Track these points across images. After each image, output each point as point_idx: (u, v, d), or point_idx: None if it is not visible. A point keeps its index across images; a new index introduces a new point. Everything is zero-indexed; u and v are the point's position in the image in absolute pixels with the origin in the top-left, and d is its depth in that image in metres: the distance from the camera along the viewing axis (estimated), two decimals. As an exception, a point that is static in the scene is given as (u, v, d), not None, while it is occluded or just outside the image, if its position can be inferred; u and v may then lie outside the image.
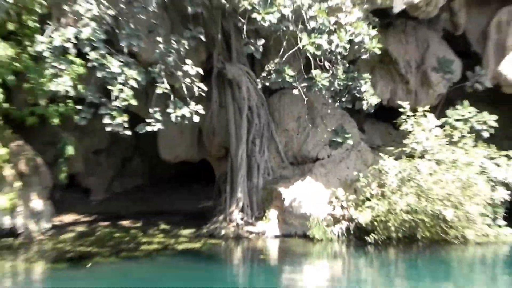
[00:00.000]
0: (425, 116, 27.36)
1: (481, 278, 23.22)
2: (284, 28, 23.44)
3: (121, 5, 23.18)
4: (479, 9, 31.48)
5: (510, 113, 30.57)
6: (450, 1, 29.73)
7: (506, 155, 27.20)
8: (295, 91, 24.98)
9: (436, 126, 27.25)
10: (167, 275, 22.40)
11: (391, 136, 30.21)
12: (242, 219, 27.85)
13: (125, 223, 30.59)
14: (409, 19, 29.96)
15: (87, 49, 22.51)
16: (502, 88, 30.44)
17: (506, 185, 26.48)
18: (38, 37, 23.09)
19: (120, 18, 23.39)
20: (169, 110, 23.98)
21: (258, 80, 26.44)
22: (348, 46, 23.70)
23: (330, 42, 23.35)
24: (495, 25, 30.80)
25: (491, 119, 28.30)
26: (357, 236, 26.26)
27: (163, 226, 29.64)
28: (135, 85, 22.83)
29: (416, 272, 23.56)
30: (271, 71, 24.70)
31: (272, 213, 27.82)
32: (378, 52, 24.64)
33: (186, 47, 24.51)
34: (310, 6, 23.26)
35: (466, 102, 29.12)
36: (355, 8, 24.76)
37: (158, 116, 23.92)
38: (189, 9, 24.94)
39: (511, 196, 26.75)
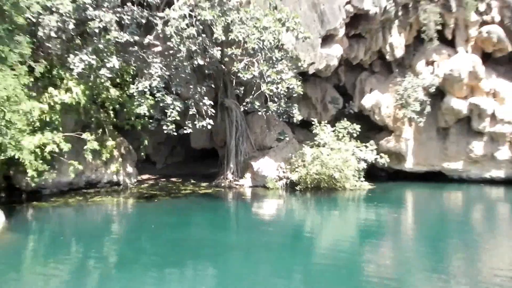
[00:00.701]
0: (325, 125, 29.03)
1: (347, 203, 26.19)
2: (254, 81, 25.31)
3: (172, 69, 24.96)
4: (351, 72, 32.32)
5: (366, 124, 30.84)
6: (337, 68, 30.33)
7: (364, 145, 28.99)
8: (260, 113, 26.74)
9: (331, 131, 29.00)
10: (193, 205, 25.37)
11: (308, 136, 29.95)
12: (232, 178, 29.37)
13: (173, 179, 31.59)
14: (317, 76, 30.67)
15: (155, 91, 24.81)
16: (362, 112, 31.54)
17: (364, 161, 28.61)
18: (131, 86, 25.10)
19: (172, 76, 25.21)
20: (196, 122, 26.04)
21: (241, 106, 27.58)
22: (286, 90, 25.36)
23: (277, 88, 25.08)
24: (358, 81, 32.05)
25: (357, 127, 29.24)
26: (291, 187, 28.29)
27: (192, 181, 30.83)
28: (178, 109, 25.17)
29: (318, 202, 26.33)
30: (248, 102, 26.16)
31: (248, 175, 29.29)
32: (301, 93, 26.46)
33: (204, 90, 26.57)
34: (267, 70, 24.53)
35: (345, 119, 29.93)
36: (290, 71, 25.68)
37: (190, 125, 26.17)
38: (206, 71, 26.54)
39: (367, 166, 28.88)
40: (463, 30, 30.32)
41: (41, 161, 22.75)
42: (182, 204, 25.51)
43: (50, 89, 23.99)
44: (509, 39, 29.50)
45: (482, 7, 29.77)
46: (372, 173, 30.32)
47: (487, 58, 30.76)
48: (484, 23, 29.98)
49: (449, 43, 30.84)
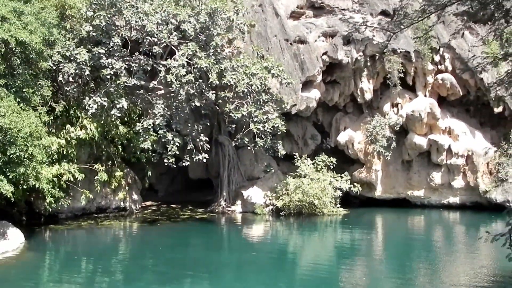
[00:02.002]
0: (306, 159, 28.89)
1: (326, 227, 26.52)
2: (244, 120, 25.35)
3: (173, 110, 24.89)
4: (328, 112, 32.07)
5: (341, 157, 30.56)
6: (315, 109, 30.10)
7: (340, 176, 28.79)
8: (249, 148, 26.77)
9: (311, 163, 28.75)
10: (191, 228, 25.41)
11: (291, 168, 29.47)
12: (225, 204, 28.98)
13: (173, 206, 31.18)
14: (298, 116, 30.32)
15: (158, 129, 24.65)
16: (338, 147, 31.05)
17: (340, 189, 28.48)
18: (137, 123, 25.08)
19: (172, 115, 25.07)
20: (193, 156, 25.56)
21: (233, 142, 27.39)
22: (272, 128, 25.54)
23: (264, 126, 25.23)
24: (334, 120, 31.73)
25: (333, 160, 28.97)
26: (276, 212, 28.00)
27: (190, 207, 30.44)
28: (178, 144, 24.88)
29: (300, 225, 26.36)
30: (239, 138, 26.17)
31: (239, 202, 28.96)
32: (285, 130, 26.78)
33: (201, 128, 26.12)
34: (255, 111, 24.78)
35: (323, 153, 29.68)
36: (275, 112, 26.08)
37: (188, 158, 25.80)
38: (202, 111, 26.55)
39: (342, 194, 28.79)
40: (422, 77, 30.62)
41: (58, 189, 22.82)
42: (181, 228, 25.47)
43: (67, 126, 24.07)
44: (460, 85, 29.82)
45: (437, 58, 30.17)
46: (347, 200, 30.05)
47: (442, 101, 30.99)
48: (439, 71, 30.32)
49: (410, 88, 31.06)
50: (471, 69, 26.11)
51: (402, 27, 12.78)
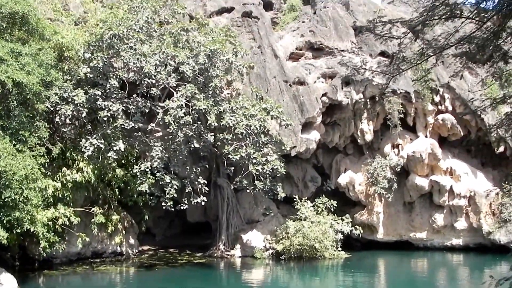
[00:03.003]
0: (306, 201, 28.60)
1: (327, 271, 26.38)
2: (243, 162, 25.02)
3: (171, 152, 24.46)
4: (328, 154, 32.17)
5: (342, 199, 30.52)
6: (315, 150, 30.16)
7: (341, 219, 28.51)
8: (248, 190, 26.22)
9: (311, 206, 28.47)
10: (189, 273, 25.12)
11: (291, 210, 29.31)
12: (224, 248, 28.57)
13: (171, 250, 30.94)
14: (298, 158, 30.19)
15: (156, 171, 24.43)
16: (338, 189, 31.14)
17: (341, 232, 28.19)
18: (135, 166, 24.70)
19: (170, 158, 24.74)
20: (191, 199, 25.41)
21: (231, 184, 27.25)
22: (271, 170, 25.01)
23: (263, 169, 24.67)
24: (334, 162, 31.84)
25: (334, 202, 28.57)
26: (277, 256, 27.64)
27: (188, 251, 30.13)
28: (176, 187, 24.52)
29: (301, 270, 26.24)
30: (237, 181, 25.83)
31: (238, 246, 28.59)
32: (284, 172, 26.15)
33: (199, 170, 26.07)
34: (254, 153, 24.40)
35: (323, 196, 29.34)
36: (274, 154, 25.63)
37: (186, 201, 25.66)
38: (201, 153, 26.29)
39: (343, 236, 28.51)
40: (422, 117, 30.88)
41: (53, 233, 22.45)
42: (179, 273, 25.18)
43: (64, 169, 23.80)
44: (460, 125, 29.99)
45: (437, 98, 30.45)
46: (348, 243, 29.81)
47: (443, 142, 31.13)
48: (439, 112, 30.58)
49: (411, 129, 31.25)
50: (472, 112, 26.42)
51: (400, 70, 12.90)
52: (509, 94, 14.91)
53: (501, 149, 29.21)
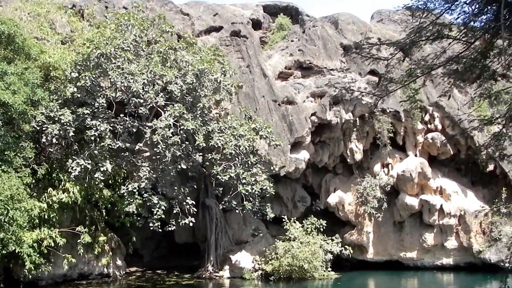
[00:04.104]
0: (295, 222, 28.71)
1: None
2: (232, 182, 25.04)
3: (159, 172, 24.57)
4: (317, 174, 32.35)
5: (331, 219, 30.79)
6: (305, 170, 30.29)
7: (330, 239, 28.58)
8: (237, 211, 26.51)
9: (300, 226, 28.46)
10: None
11: (280, 231, 29.20)
12: (212, 270, 28.37)
13: (159, 271, 30.88)
14: (287, 178, 30.25)
15: (143, 192, 24.39)
16: (328, 208, 31.32)
17: (331, 252, 28.30)
18: (122, 187, 24.64)
19: (158, 178, 24.75)
20: (179, 220, 25.51)
21: (220, 205, 27.37)
22: (260, 190, 25.13)
23: (252, 189, 24.86)
24: (324, 181, 32.01)
25: (323, 222, 28.75)
26: (266, 277, 27.69)
27: (176, 272, 30.09)
28: (164, 208, 24.60)
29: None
30: (226, 201, 25.99)
31: (226, 267, 28.46)
32: (273, 193, 26.35)
33: (187, 191, 26.13)
34: (243, 173, 24.59)
35: (312, 216, 29.38)
36: (263, 174, 25.56)
37: (173, 222, 25.62)
38: (189, 174, 26.62)
39: (333, 257, 28.56)
40: (412, 136, 31.27)
41: (38, 255, 22.29)
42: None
43: (50, 189, 23.76)
44: (450, 144, 30.36)
45: (426, 117, 30.88)
46: (338, 263, 29.88)
47: (433, 160, 31.48)
48: (429, 130, 31.04)
49: (400, 148, 31.63)
50: (461, 132, 26.76)
51: (388, 91, 13.08)
52: (497, 113, 15.16)
53: (491, 167, 29.59)
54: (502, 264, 28.13)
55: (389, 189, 30.35)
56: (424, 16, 11.66)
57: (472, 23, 11.69)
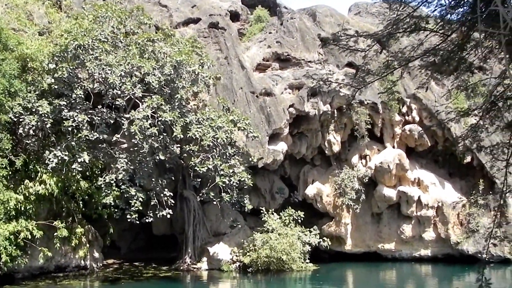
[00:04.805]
0: (273, 213, 29.32)
1: (295, 284, 27.03)
2: (210, 174, 25.50)
3: (136, 164, 24.88)
4: (295, 165, 33.07)
5: (309, 211, 31.48)
6: (283, 162, 31.01)
7: (308, 230, 29.56)
8: (215, 203, 26.79)
9: (278, 218, 29.29)
10: (155, 287, 25.72)
11: (258, 222, 30.03)
12: (190, 262, 28.90)
13: (136, 263, 31.29)
14: (265, 169, 30.99)
15: (121, 184, 24.76)
16: (306, 200, 32.24)
17: (309, 244, 29.11)
18: (99, 178, 25.09)
19: (136, 170, 25.05)
20: (157, 211, 25.82)
21: (198, 197, 27.63)
22: (238, 182, 25.66)
23: (230, 180, 25.32)
24: (302, 173, 32.80)
25: (301, 214, 29.51)
26: (244, 269, 28.32)
27: (154, 264, 30.58)
28: (141, 200, 24.82)
29: (268, 283, 26.91)
30: (204, 193, 26.34)
31: (204, 259, 29.07)
32: (251, 184, 26.97)
33: (165, 182, 26.57)
34: (221, 164, 24.97)
35: (290, 207, 30.28)
36: (241, 165, 26.06)
37: (151, 214, 25.91)
38: (167, 165, 27.10)
39: (311, 248, 29.32)
40: (389, 128, 32.20)
41: (14, 247, 22.65)
42: (144, 287, 25.63)
43: (26, 181, 24.03)
44: (428, 136, 31.24)
45: (404, 109, 31.77)
46: (316, 255, 30.57)
47: (411, 152, 32.42)
48: (406, 122, 31.94)
49: (378, 140, 32.57)
50: (438, 124, 27.59)
51: (365, 83, 13.62)
52: (474, 105, 15.88)
53: (468, 159, 30.35)
54: (479, 255, 28.90)
55: (367, 180, 31.22)
56: (401, 8, 12.26)
57: (448, 16, 12.25)
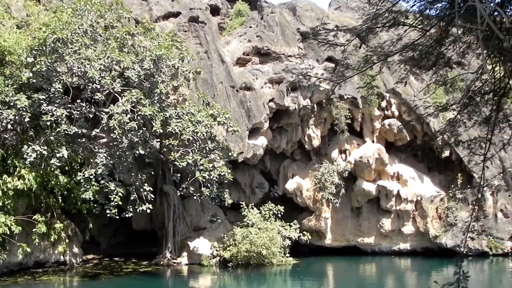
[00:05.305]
0: (253, 208, 29.72)
1: (275, 278, 27.49)
2: (190, 169, 25.76)
3: (116, 159, 24.98)
4: (275, 160, 33.46)
5: (289, 205, 31.93)
6: (263, 156, 31.33)
7: (289, 225, 29.91)
8: (195, 197, 26.76)
9: (258, 212, 29.62)
10: (135, 282, 25.58)
11: (238, 217, 30.09)
12: (170, 256, 29.07)
13: (116, 259, 31.41)
14: (245, 164, 31.19)
15: (100, 178, 24.90)
16: (286, 194, 32.50)
17: (289, 238, 29.43)
18: (79, 173, 25.18)
19: (115, 164, 25.14)
20: (136, 206, 25.96)
21: (178, 191, 27.62)
22: (218, 176, 25.82)
23: (209, 175, 25.38)
24: (282, 167, 33.16)
25: (281, 208, 30.01)
26: (224, 264, 28.49)
27: (134, 260, 30.72)
28: (121, 195, 25.01)
29: (248, 277, 27.22)
30: (184, 188, 26.44)
31: (184, 254, 29.25)
32: (231, 179, 27.15)
33: (145, 177, 26.71)
34: (200, 159, 25.11)
35: (269, 202, 30.66)
36: (221, 160, 26.22)
37: (131, 209, 26.05)
38: (146, 160, 27.20)
39: (291, 243, 29.69)
40: (369, 123, 32.70)
41: (-8, 243, 22.56)
42: (124, 282, 25.63)
43: (4, 176, 23.98)
44: (407, 130, 31.78)
45: (383, 104, 32.24)
46: (296, 249, 30.89)
47: (390, 147, 33.03)
48: (386, 117, 32.48)
49: (358, 134, 33.04)
50: (417, 118, 28.01)
51: (344, 77, 13.85)
52: (453, 100, 16.28)
53: (447, 153, 31.02)
54: (458, 248, 29.57)
55: (346, 175, 31.63)
56: (380, 3, 12.56)
57: (427, 11, 12.59)
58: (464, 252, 27.75)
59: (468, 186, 30.12)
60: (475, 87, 12.51)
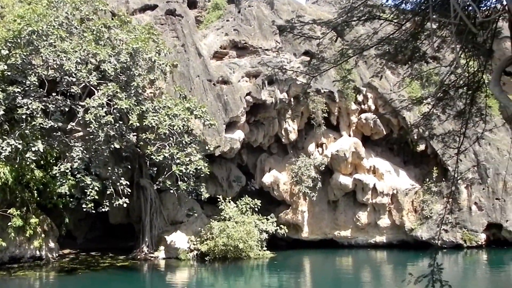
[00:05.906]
0: (230, 201, 29.94)
1: (252, 271, 27.54)
2: (166, 162, 25.97)
3: (92, 152, 24.96)
4: (252, 153, 33.86)
5: (266, 199, 32.41)
6: (240, 150, 31.54)
7: (266, 218, 30.01)
8: (171, 191, 27.13)
9: (235, 206, 29.87)
10: (112, 277, 25.66)
11: (216, 211, 30.28)
12: (147, 251, 29.29)
13: (93, 253, 31.48)
14: (222, 157, 31.45)
15: (76, 173, 24.85)
16: (263, 188, 32.84)
17: (266, 232, 29.64)
18: (54, 167, 24.96)
19: (91, 158, 25.14)
20: (113, 200, 26.07)
21: (155, 185, 28.08)
22: (195, 170, 26.01)
23: (186, 169, 25.73)
24: (259, 161, 33.53)
25: (258, 202, 30.06)
26: (201, 257, 28.79)
27: (111, 254, 30.77)
28: (97, 189, 25.00)
29: (225, 271, 27.42)
30: (161, 181, 26.86)
31: (162, 248, 29.41)
32: (208, 172, 27.41)
33: (121, 171, 26.72)
34: (177, 153, 25.38)
35: (246, 196, 30.90)
36: (198, 154, 26.34)
37: (107, 203, 26.22)
38: (123, 154, 27.16)
39: (268, 236, 29.86)
40: (346, 117, 33.17)
41: (-32, 238, 22.51)
42: (101, 277, 25.69)
43: (-21, 170, 23.99)
44: (383, 124, 32.31)
45: (360, 98, 32.72)
46: (273, 242, 31.19)
47: (366, 140, 33.52)
48: (362, 111, 32.98)
49: (335, 128, 33.52)
50: (393, 112, 28.50)
51: (320, 71, 13.97)
52: (427, 94, 16.62)
53: (422, 147, 31.61)
54: (433, 241, 29.99)
55: (323, 168, 32.04)
56: None
57: (403, 5, 12.85)
58: (439, 245, 28.11)
59: (443, 179, 30.61)
60: (450, 81, 12.75)
